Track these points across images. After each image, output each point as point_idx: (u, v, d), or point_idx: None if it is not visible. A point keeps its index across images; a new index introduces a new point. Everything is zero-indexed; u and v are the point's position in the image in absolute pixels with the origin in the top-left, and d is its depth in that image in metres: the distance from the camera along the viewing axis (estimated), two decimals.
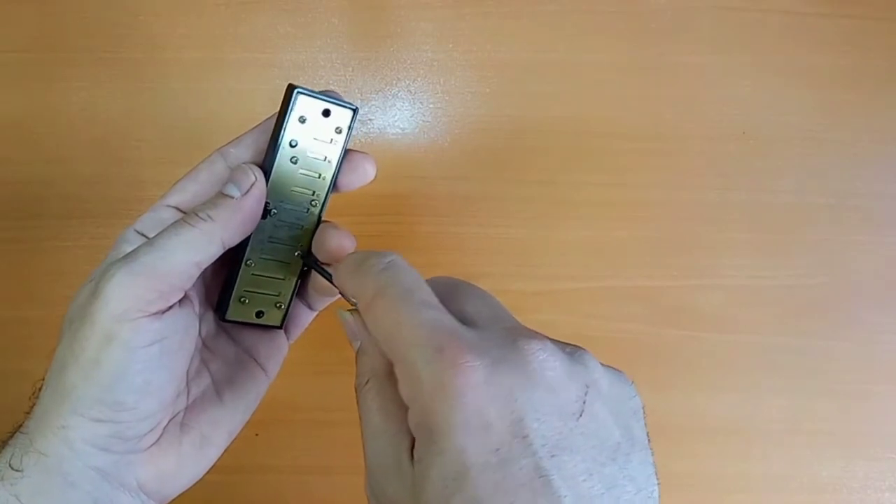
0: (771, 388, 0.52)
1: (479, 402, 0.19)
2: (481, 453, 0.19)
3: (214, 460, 0.30)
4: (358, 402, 0.24)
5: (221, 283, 0.31)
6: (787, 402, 0.52)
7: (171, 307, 0.27)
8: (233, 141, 0.30)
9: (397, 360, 0.22)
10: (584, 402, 0.21)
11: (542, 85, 0.52)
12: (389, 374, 0.22)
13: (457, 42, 0.51)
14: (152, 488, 0.28)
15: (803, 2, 0.52)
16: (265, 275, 0.31)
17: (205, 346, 0.31)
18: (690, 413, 0.52)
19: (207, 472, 0.30)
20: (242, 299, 0.31)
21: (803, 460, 0.53)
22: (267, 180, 0.29)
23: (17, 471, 0.25)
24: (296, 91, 0.28)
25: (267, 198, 0.29)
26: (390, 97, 0.52)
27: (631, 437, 0.21)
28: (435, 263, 0.52)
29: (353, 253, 0.28)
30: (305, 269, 0.32)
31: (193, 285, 0.28)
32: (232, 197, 0.28)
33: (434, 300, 0.23)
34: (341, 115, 0.30)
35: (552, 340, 0.22)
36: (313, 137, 0.29)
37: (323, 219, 0.31)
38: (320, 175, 0.30)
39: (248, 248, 0.30)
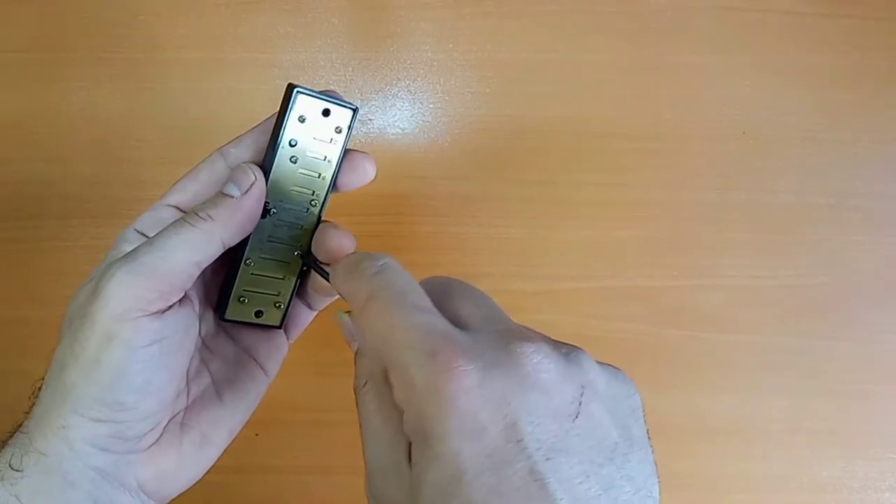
0: (771, 388, 0.52)
1: (472, 406, 0.19)
2: (475, 457, 0.19)
3: (214, 460, 0.30)
4: (357, 404, 0.24)
5: (221, 282, 0.31)
6: (787, 402, 0.52)
7: (171, 307, 0.27)
8: (233, 141, 0.30)
9: (391, 365, 0.22)
10: (580, 404, 0.20)
11: (542, 85, 0.52)
12: (387, 377, 0.22)
13: (457, 42, 0.51)
14: (152, 488, 0.28)
15: (803, 2, 0.52)
16: (264, 274, 0.31)
17: (205, 346, 0.31)
18: (690, 413, 0.52)
19: (207, 472, 0.30)
20: (242, 299, 0.31)
21: (803, 460, 0.52)
22: (267, 180, 0.29)
23: (16, 471, 0.25)
24: (295, 90, 0.28)
25: (267, 197, 0.29)
26: (390, 97, 0.52)
27: (629, 437, 0.21)
28: (435, 263, 0.52)
29: (347, 255, 0.28)
30: (305, 268, 0.32)
31: (193, 285, 0.28)
32: (232, 196, 0.28)
33: (427, 303, 0.23)
34: (341, 115, 0.30)
35: (549, 341, 0.22)
36: (313, 137, 0.29)
37: (323, 218, 0.31)
38: (320, 175, 0.30)
39: (248, 248, 0.30)
